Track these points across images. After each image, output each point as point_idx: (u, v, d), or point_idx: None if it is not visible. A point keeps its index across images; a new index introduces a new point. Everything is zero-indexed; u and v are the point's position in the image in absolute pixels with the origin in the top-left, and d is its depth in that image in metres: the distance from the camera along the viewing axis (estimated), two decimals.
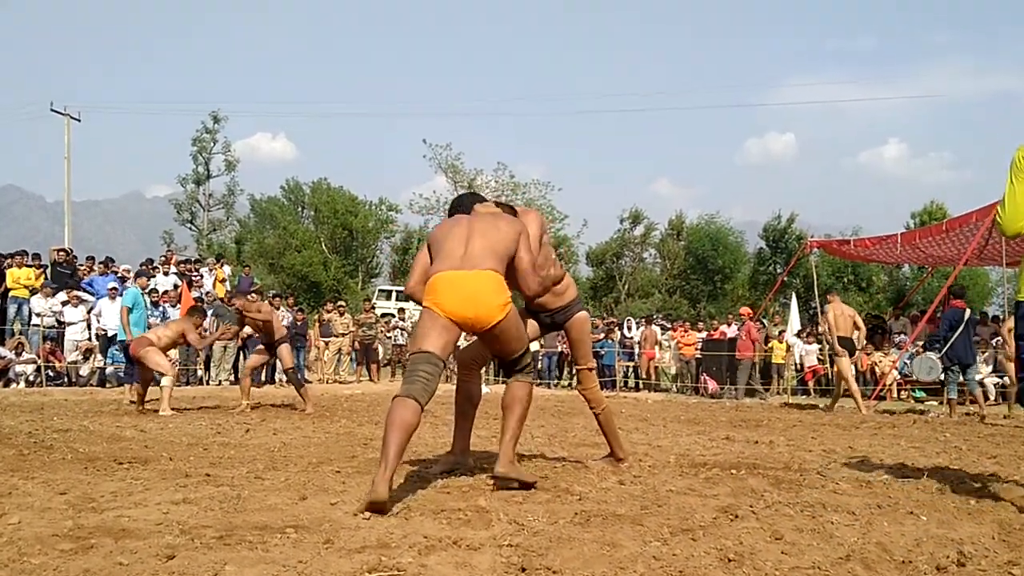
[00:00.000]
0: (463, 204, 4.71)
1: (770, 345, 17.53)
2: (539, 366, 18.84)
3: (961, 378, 11.14)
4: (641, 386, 18.12)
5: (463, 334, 4.38)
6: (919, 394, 14.54)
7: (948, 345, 10.97)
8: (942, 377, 11.21)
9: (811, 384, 16.93)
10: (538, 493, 4.16)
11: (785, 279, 27.09)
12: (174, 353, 11.90)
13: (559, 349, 18.95)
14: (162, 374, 9.58)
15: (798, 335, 17.74)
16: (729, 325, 19.39)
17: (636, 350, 18.85)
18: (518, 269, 4.33)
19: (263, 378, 16.06)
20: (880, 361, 15.95)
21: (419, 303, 4.28)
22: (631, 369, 19.00)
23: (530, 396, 4.47)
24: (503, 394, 4.51)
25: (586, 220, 46.41)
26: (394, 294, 31.88)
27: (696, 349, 18.15)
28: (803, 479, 4.75)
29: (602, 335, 19.04)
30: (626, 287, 43.36)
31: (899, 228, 28.25)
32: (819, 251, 18.65)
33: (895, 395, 15.42)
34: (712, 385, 16.66)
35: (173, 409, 9.39)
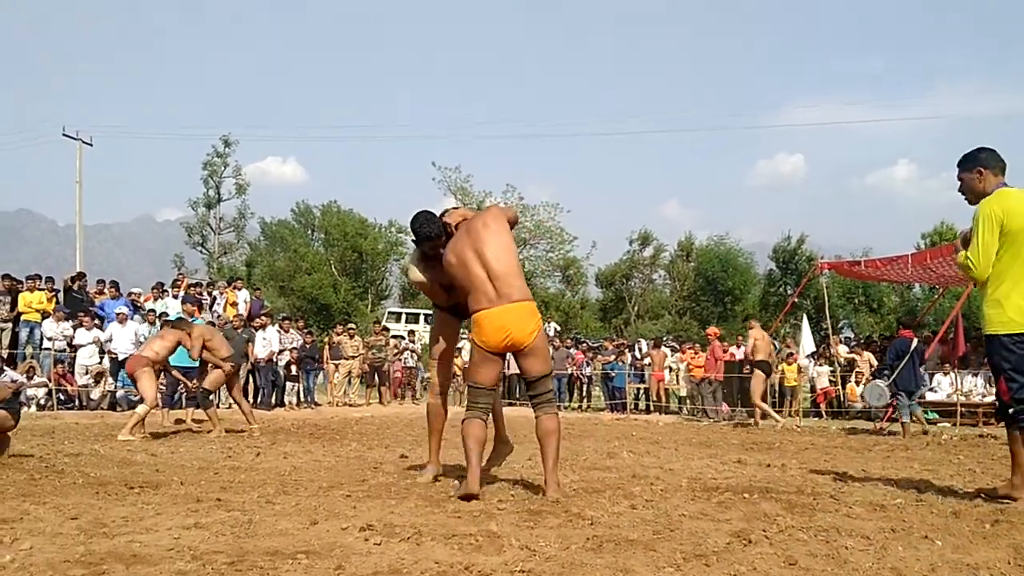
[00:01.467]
0: (434, 223, 5.18)
1: (781, 367, 17.46)
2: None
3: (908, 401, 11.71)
4: (652, 408, 18.06)
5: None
6: (931, 415, 14.44)
7: (896, 373, 11.56)
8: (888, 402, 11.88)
9: (823, 406, 16.84)
10: (549, 518, 4.14)
11: (795, 300, 27.01)
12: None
13: (568, 371, 18.91)
14: (141, 400, 9.69)
15: (810, 357, 17.66)
16: (739, 347, 19.32)
17: (646, 372, 18.80)
18: (512, 223, 5.12)
19: (273, 401, 16.08)
20: None
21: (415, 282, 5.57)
22: (642, 391, 18.94)
23: (560, 426, 5.12)
24: (537, 427, 5.10)
25: (595, 241, 46.50)
26: (404, 316, 31.88)
27: (706, 371, 18.08)
28: (816, 503, 4.72)
29: (612, 357, 19.01)
30: (636, 308, 43.32)
31: (910, 248, 28.22)
32: (830, 272, 18.58)
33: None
34: (723, 407, 16.59)
35: (134, 436, 9.22)
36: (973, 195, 5.07)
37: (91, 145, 34.63)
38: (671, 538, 3.69)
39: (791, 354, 17.71)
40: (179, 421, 11.81)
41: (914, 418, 11.83)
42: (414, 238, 5.30)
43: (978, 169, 5.00)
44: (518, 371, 5.34)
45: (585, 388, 19.85)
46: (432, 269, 5.31)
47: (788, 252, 40.55)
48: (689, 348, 19.02)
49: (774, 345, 19.54)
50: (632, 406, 18.15)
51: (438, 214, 5.27)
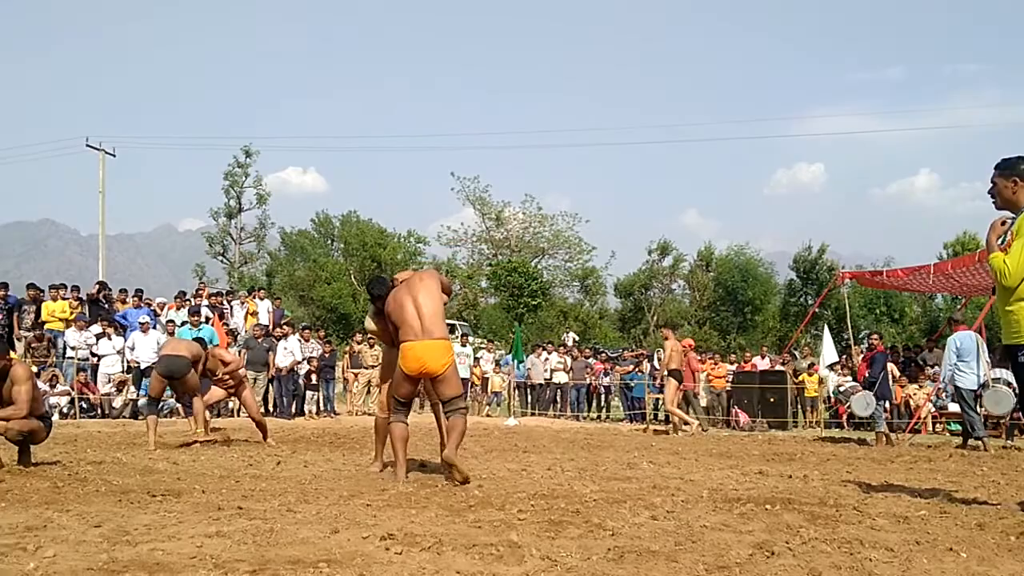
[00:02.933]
0: (383, 285, 6.72)
1: (801, 378, 17.36)
2: (568, 398, 18.79)
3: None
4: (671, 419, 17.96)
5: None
6: (954, 426, 14.31)
7: (877, 384, 12.23)
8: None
9: (844, 417, 16.72)
10: (570, 528, 4.13)
11: (816, 311, 26.87)
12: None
13: (587, 381, 18.88)
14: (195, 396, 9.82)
15: (831, 368, 17.54)
16: (763, 357, 19.24)
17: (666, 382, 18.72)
18: (445, 288, 6.62)
19: (293, 410, 16.14)
20: (915, 394, 15.72)
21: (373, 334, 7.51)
22: (661, 401, 18.84)
23: (466, 424, 6.41)
24: (448, 424, 6.34)
25: (614, 251, 46.58)
26: None
27: (727, 382, 18.01)
28: (839, 514, 4.68)
29: (631, 367, 18.95)
30: (655, 318, 43.17)
31: (932, 258, 28.00)
32: (851, 282, 18.46)
33: (930, 428, 15.19)
34: (743, 418, 16.50)
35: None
36: (1002, 201, 5.05)
37: (113, 156, 35.00)
38: (693, 549, 3.67)
39: (812, 364, 17.60)
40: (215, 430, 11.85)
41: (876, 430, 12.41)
42: (369, 296, 6.92)
43: (1015, 179, 4.96)
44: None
45: (604, 398, 19.79)
46: (382, 320, 6.70)
47: (809, 262, 40.33)
48: (710, 359, 18.93)
49: (794, 355, 19.47)
50: (651, 416, 18.07)
51: (389, 278, 6.83)
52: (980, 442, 11.01)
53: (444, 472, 6.36)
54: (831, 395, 13.97)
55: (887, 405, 12.82)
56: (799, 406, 17.37)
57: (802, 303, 39.69)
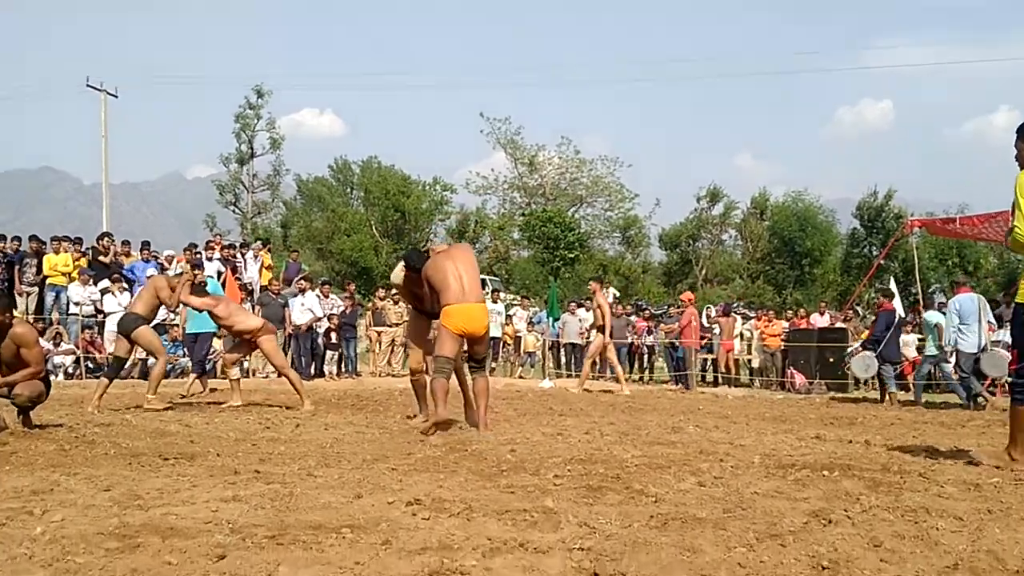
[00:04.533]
0: (423, 259, 7.53)
1: (863, 336, 17.24)
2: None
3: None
4: (720, 380, 17.98)
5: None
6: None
7: (883, 345, 12.79)
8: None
9: (910, 378, 16.62)
10: (610, 494, 4.17)
11: (882, 263, 26.59)
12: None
13: (628, 340, 18.88)
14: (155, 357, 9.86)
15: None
16: (822, 314, 19.11)
17: (714, 342, 18.69)
18: None
19: (313, 371, 16.30)
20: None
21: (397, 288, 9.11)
22: (709, 362, 18.84)
23: (489, 384, 7.46)
24: (473, 385, 7.39)
25: (659, 199, 46.32)
26: None
27: (781, 340, 17.94)
28: (904, 481, 4.67)
29: (677, 325, 18.92)
30: (703, 272, 43.03)
31: (1010, 204, 27.49)
32: (921, 231, 18.23)
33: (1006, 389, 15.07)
34: (799, 379, 16.46)
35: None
36: (1022, 165, 5.32)
37: (116, 97, 35.23)
38: (743, 517, 3.69)
39: (907, 319, 17.44)
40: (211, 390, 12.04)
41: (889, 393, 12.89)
42: (404, 265, 7.78)
43: None
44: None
45: (647, 359, 19.81)
46: (409, 280, 7.78)
47: (874, 209, 39.85)
48: (763, 315, 18.85)
49: (856, 312, 19.34)
50: (699, 378, 18.08)
51: (424, 250, 7.84)
52: (972, 404, 11.93)
53: (473, 435, 6.65)
54: (847, 356, 14.33)
55: (897, 369, 13.31)
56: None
57: (866, 254, 39.30)
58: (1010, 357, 11.46)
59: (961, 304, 12.17)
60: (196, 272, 11.23)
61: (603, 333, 14.33)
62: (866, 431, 8.12)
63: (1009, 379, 12.54)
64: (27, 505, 3.86)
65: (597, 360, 15.79)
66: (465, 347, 7.47)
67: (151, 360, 10.59)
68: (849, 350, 13.80)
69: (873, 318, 13.73)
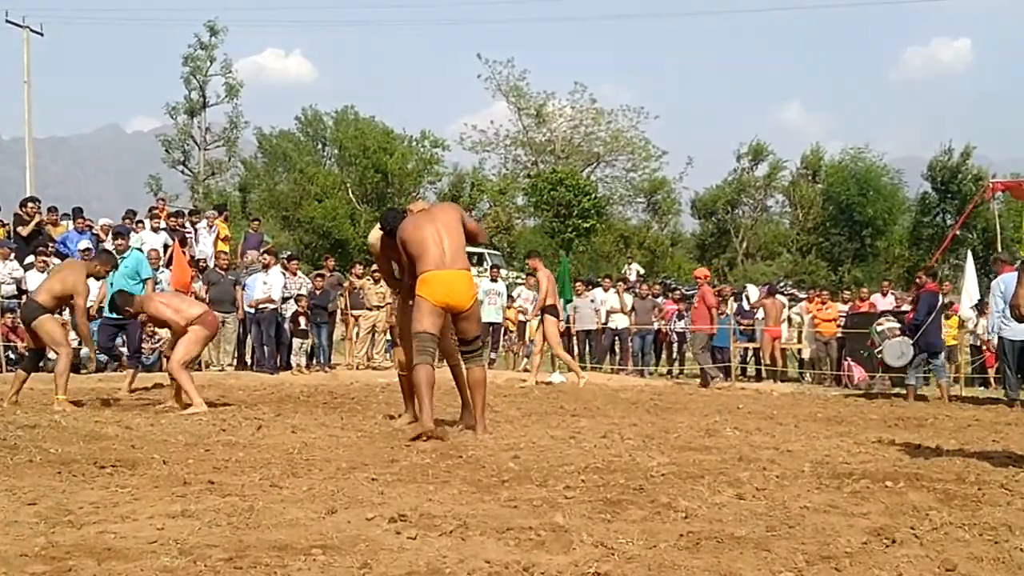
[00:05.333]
0: (400, 218, 7.49)
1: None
2: (630, 348, 18.81)
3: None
4: (764, 374, 17.98)
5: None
6: None
7: (922, 331, 13.08)
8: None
9: (992, 371, 16.63)
10: (631, 509, 4.18)
11: (958, 233, 26.56)
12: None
13: (655, 327, 18.87)
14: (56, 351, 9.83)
15: (976, 308, 17.39)
16: (885, 295, 19.07)
17: (757, 327, 18.69)
18: (473, 234, 7.65)
19: (278, 363, 16.33)
20: None
21: (385, 278, 9.12)
22: (751, 352, 18.83)
23: (486, 376, 7.51)
24: (468, 377, 7.44)
25: (691, 157, 46.22)
26: None
27: (838, 326, 17.92)
28: (982, 494, 4.69)
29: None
30: (744, 245, 43.00)
31: None
32: (1004, 195, 18.21)
33: None
34: (859, 373, 16.45)
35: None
36: None
37: (41, 35, 35.08)
38: (790, 536, 3.70)
39: (950, 303, 17.44)
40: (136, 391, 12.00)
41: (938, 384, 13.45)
42: (380, 227, 7.77)
43: None
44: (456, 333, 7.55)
45: (677, 348, 19.81)
46: (387, 248, 7.75)
47: (948, 169, 39.76)
48: (816, 296, 18.82)
49: None
50: (738, 371, 18.08)
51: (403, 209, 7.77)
52: (1017, 403, 11.96)
53: (468, 439, 6.67)
54: (873, 335, 14.34)
55: (941, 358, 13.65)
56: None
57: (939, 223, 39.27)
58: None
59: (1007, 285, 11.90)
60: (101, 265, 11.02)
61: (551, 314, 14.99)
62: (938, 434, 8.11)
63: None
64: None
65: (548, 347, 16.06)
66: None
67: (52, 354, 10.56)
68: (878, 329, 13.76)
69: (913, 299, 14.11)
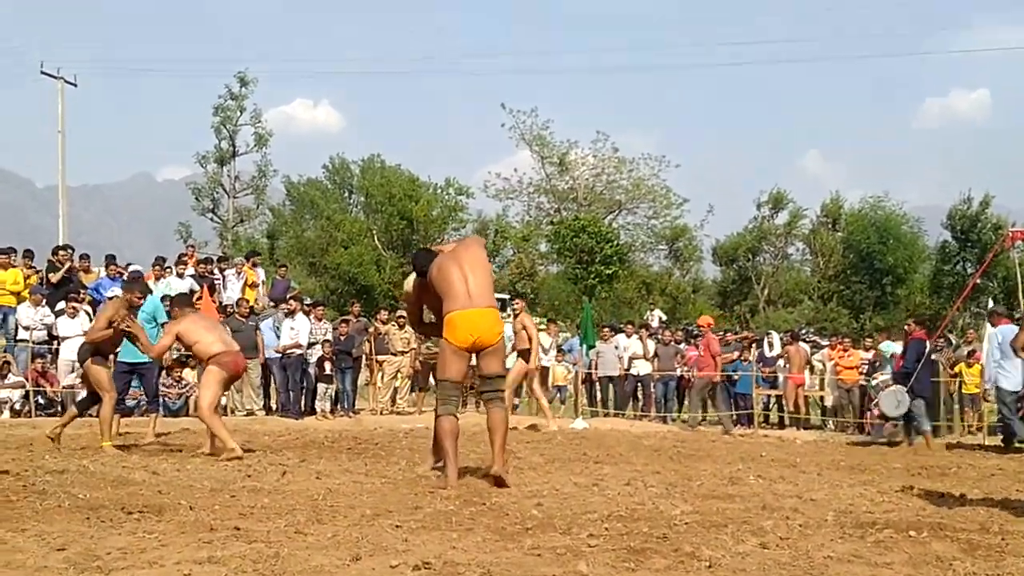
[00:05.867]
0: (431, 258, 7.46)
1: (958, 369, 17.11)
2: (653, 394, 18.75)
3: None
4: (787, 421, 17.88)
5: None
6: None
7: (914, 378, 13.20)
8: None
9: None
10: (655, 558, 4.15)
11: (978, 282, 26.40)
12: None
13: (677, 373, 18.81)
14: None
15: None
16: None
17: (780, 375, 18.61)
18: None
19: (303, 408, 16.35)
20: None
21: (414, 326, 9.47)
22: (773, 399, 18.73)
23: (507, 417, 7.39)
24: (488, 419, 7.13)
25: (712, 205, 46.19)
26: None
27: (860, 374, 17.81)
28: (1006, 544, 4.64)
29: (735, 354, 18.84)
30: (766, 292, 42.91)
31: None
32: (1023, 243, 18.12)
33: None
34: (885, 424, 16.33)
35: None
36: None
37: (75, 86, 35.52)
38: None
39: (973, 351, 17.33)
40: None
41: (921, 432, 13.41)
42: (414, 268, 7.71)
43: None
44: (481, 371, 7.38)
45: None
46: (421, 288, 7.65)
47: (968, 218, 39.66)
48: (838, 344, 18.74)
49: (948, 340, 19.20)
50: (761, 418, 17.99)
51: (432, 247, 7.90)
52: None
53: (491, 485, 6.62)
54: (872, 390, 14.81)
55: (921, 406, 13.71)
56: (956, 405, 17.13)
57: (959, 272, 39.11)
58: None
59: (1003, 336, 12.38)
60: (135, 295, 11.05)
61: (526, 359, 14.70)
62: (961, 483, 8.05)
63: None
64: None
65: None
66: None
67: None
68: (874, 382, 14.23)
69: (902, 347, 14.38)
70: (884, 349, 16.19)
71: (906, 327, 14.74)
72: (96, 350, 9.94)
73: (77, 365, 15.30)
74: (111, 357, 10.70)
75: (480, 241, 7.96)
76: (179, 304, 10.32)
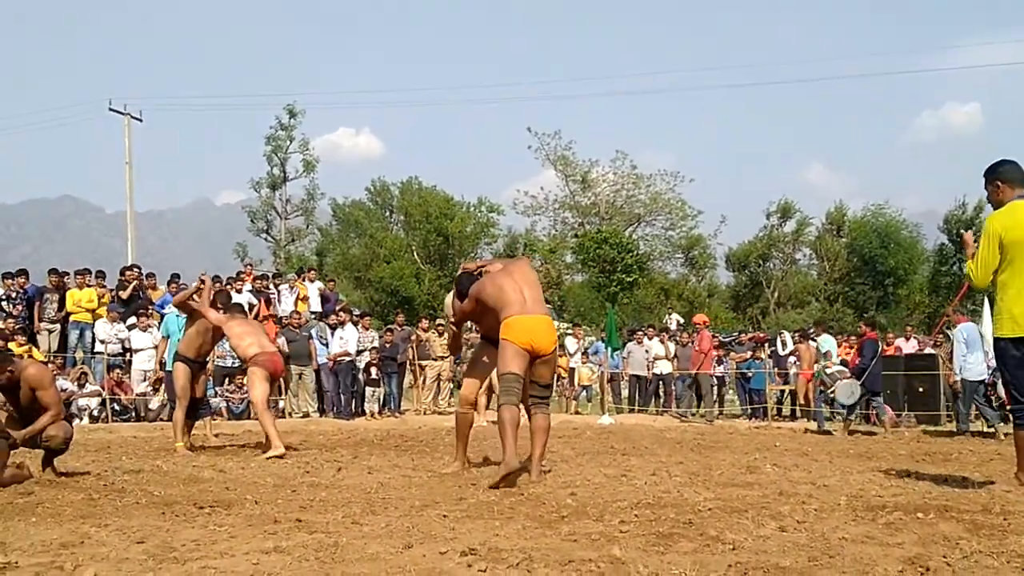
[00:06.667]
0: (468, 280, 7.52)
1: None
2: (673, 392, 18.71)
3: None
4: (799, 414, 17.79)
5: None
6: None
7: (867, 374, 14.03)
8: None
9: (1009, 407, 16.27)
10: (682, 542, 4.14)
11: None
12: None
13: (694, 372, 18.75)
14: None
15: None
16: (908, 339, 18.85)
17: (791, 371, 18.51)
18: None
19: (353, 410, 16.43)
20: None
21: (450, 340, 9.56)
22: (786, 394, 18.64)
23: (549, 424, 7.13)
24: (532, 423, 6.96)
25: (724, 216, 46.01)
26: None
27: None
28: (1008, 524, 4.59)
29: (748, 353, 18.77)
30: (776, 295, 42.68)
31: None
32: None
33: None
34: (888, 412, 16.22)
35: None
36: (993, 204, 6.30)
37: (140, 120, 35.87)
38: (831, 565, 3.66)
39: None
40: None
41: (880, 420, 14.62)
42: (456, 291, 7.70)
43: (996, 182, 6.18)
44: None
45: (716, 391, 19.66)
46: (477, 312, 7.49)
47: (964, 222, 39.28)
48: (844, 341, 18.62)
49: (947, 336, 19.04)
50: (774, 412, 17.91)
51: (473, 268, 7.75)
52: (964, 434, 13.44)
53: (530, 478, 6.62)
54: (816, 376, 15.46)
55: (879, 400, 14.77)
56: (955, 396, 16.99)
57: (956, 272, 38.75)
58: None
59: (967, 333, 13.65)
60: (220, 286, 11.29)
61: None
62: (963, 468, 8.00)
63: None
64: (56, 559, 3.92)
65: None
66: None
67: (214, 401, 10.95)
68: (828, 371, 14.78)
69: (857, 347, 15.19)
70: (822, 342, 16.66)
71: (860, 328, 15.34)
72: (181, 355, 10.14)
73: (149, 374, 15.58)
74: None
75: (528, 261, 7.95)
76: (231, 309, 10.67)
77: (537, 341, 6.80)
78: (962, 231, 6.80)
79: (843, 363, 15.60)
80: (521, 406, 6.97)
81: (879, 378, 14.48)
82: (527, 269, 7.39)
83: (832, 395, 14.29)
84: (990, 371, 13.55)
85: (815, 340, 18.03)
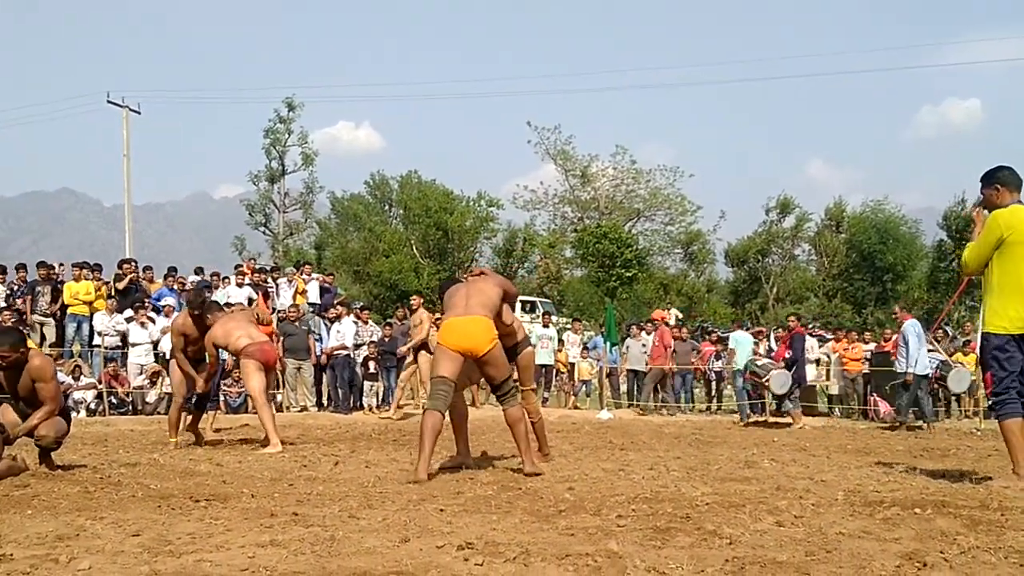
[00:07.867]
0: (452, 281, 7.63)
1: (955, 358, 16.98)
2: (672, 387, 18.71)
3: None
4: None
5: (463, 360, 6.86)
6: None
7: (797, 365, 15.01)
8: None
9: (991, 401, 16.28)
10: (679, 536, 4.14)
11: (972, 278, 26.16)
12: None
13: (693, 367, 18.77)
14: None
15: None
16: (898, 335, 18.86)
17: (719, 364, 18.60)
18: (509, 295, 7.31)
19: (351, 404, 16.41)
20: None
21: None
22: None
23: (524, 413, 7.03)
24: (505, 418, 6.95)
25: (724, 211, 45.99)
26: None
27: (863, 364, 17.72)
28: (1005, 519, 4.59)
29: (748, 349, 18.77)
30: (775, 290, 42.66)
31: None
32: None
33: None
34: (884, 407, 16.24)
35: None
36: (990, 208, 6.42)
37: (139, 113, 35.91)
38: (828, 560, 3.65)
39: (968, 342, 17.20)
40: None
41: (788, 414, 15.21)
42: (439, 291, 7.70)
43: (995, 186, 6.32)
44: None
45: (714, 386, 19.66)
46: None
47: (962, 218, 39.27)
48: (843, 337, 18.63)
49: (946, 332, 19.07)
50: (772, 407, 17.90)
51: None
52: (902, 425, 14.10)
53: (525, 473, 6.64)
54: (745, 368, 15.79)
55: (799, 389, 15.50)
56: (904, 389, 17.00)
57: (955, 268, 38.73)
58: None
59: (917, 328, 14.37)
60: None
61: (428, 351, 14.38)
62: (961, 463, 8.00)
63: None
64: (52, 552, 3.92)
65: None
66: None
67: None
68: (759, 363, 15.34)
69: (786, 340, 15.90)
70: (734, 338, 17.18)
71: (790, 323, 16.23)
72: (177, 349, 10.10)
73: (145, 368, 15.58)
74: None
75: (495, 277, 7.59)
76: (211, 310, 10.15)
77: (467, 342, 6.70)
78: (974, 207, 6.89)
79: (768, 354, 16.54)
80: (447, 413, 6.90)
81: (803, 370, 15.41)
82: (486, 281, 7.28)
83: (767, 383, 14.84)
84: (933, 364, 14.42)
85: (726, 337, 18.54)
